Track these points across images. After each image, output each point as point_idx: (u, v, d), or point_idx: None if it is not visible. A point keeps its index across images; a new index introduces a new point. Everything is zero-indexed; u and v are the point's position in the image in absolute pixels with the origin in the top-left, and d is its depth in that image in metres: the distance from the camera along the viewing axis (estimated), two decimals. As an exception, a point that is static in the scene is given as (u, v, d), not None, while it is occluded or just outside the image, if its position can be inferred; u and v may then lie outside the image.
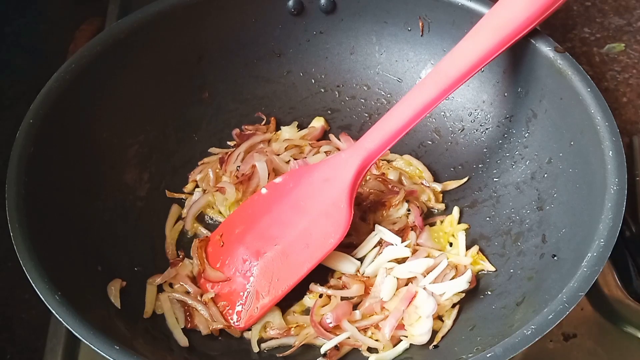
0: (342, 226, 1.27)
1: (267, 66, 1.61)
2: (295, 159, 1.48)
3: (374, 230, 1.37)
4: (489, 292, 1.30)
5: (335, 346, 1.24)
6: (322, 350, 1.24)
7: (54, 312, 1.03)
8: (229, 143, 1.56)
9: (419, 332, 1.22)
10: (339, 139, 1.56)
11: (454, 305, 1.28)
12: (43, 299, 1.04)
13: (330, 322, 1.25)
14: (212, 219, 1.46)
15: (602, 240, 1.10)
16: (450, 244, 1.40)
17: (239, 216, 1.38)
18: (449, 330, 1.25)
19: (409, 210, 1.43)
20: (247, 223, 1.36)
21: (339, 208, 1.28)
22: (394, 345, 1.24)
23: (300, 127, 1.59)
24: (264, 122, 1.59)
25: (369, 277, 1.33)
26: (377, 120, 1.33)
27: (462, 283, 1.26)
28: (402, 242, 1.33)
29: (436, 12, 1.50)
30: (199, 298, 1.30)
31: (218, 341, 1.27)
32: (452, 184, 1.50)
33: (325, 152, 1.53)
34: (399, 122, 1.29)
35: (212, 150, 1.54)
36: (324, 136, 1.60)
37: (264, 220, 1.34)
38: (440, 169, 1.54)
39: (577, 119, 1.29)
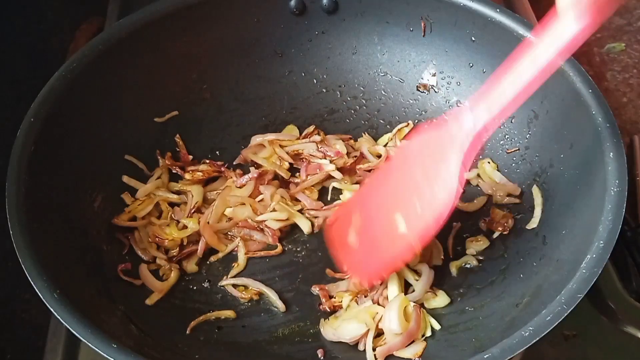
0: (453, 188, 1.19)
1: (269, 66, 1.61)
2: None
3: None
4: (489, 294, 1.30)
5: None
6: None
7: (52, 309, 1.03)
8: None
9: None
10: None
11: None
12: (41, 296, 1.04)
13: None
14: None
15: (601, 242, 1.10)
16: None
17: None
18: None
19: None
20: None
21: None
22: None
23: (301, 128, 1.59)
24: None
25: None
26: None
27: None
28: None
29: (438, 13, 1.49)
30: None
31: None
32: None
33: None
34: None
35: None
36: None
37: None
38: (441, 169, 1.53)
39: (579, 120, 1.29)
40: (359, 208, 1.35)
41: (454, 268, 1.36)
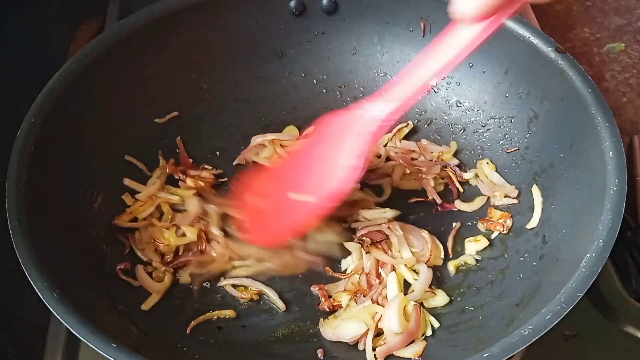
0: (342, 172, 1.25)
1: (269, 67, 1.61)
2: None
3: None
4: (488, 293, 1.30)
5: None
6: None
7: (51, 309, 1.03)
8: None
9: None
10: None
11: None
12: (41, 296, 1.04)
13: None
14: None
15: (601, 241, 1.10)
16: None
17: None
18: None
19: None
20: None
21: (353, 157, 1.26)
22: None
23: (301, 129, 1.58)
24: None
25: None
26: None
27: None
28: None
29: (438, 13, 1.49)
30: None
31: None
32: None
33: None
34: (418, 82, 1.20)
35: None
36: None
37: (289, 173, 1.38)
38: (441, 170, 1.53)
39: (578, 120, 1.29)
40: (273, 176, 1.39)
41: (452, 267, 1.36)
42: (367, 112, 1.23)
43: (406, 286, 1.32)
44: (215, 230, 1.40)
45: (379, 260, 1.34)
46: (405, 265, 1.33)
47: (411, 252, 1.35)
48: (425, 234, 1.37)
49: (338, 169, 1.25)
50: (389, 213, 1.41)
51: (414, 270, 1.33)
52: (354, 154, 1.23)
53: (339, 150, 1.27)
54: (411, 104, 1.20)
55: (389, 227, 1.37)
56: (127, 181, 1.42)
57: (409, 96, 1.19)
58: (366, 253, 1.35)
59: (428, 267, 1.33)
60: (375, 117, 1.22)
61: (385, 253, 1.34)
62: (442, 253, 1.38)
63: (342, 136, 1.27)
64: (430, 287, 1.30)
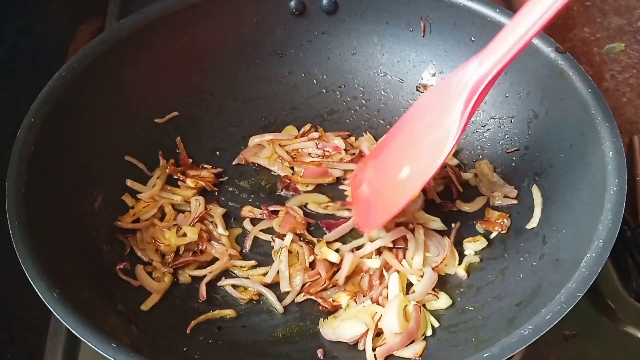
0: (453, 136, 1.20)
1: (269, 66, 1.61)
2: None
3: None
4: (488, 293, 1.29)
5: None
6: None
7: (51, 309, 1.03)
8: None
9: None
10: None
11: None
12: (41, 296, 1.04)
13: None
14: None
15: (601, 241, 1.10)
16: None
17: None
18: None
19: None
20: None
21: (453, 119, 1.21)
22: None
23: (301, 129, 1.59)
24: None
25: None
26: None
27: None
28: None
29: (438, 13, 1.50)
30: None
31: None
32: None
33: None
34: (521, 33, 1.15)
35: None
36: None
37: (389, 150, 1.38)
38: (441, 170, 1.53)
39: (578, 120, 1.29)
40: (373, 159, 1.40)
41: (463, 272, 1.35)
42: (463, 73, 1.20)
43: (407, 285, 1.32)
44: (221, 230, 1.40)
45: (387, 263, 1.34)
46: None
47: (424, 255, 1.35)
48: (446, 241, 1.37)
49: (441, 140, 1.22)
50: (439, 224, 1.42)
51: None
52: (458, 121, 1.19)
53: (440, 121, 1.23)
54: (509, 61, 1.15)
55: (412, 231, 1.38)
56: (129, 182, 1.42)
57: (507, 51, 1.15)
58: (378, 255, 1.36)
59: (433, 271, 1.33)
60: (473, 76, 1.18)
61: (397, 257, 1.34)
62: (456, 263, 1.37)
63: (443, 105, 1.23)
64: (433, 289, 1.30)
